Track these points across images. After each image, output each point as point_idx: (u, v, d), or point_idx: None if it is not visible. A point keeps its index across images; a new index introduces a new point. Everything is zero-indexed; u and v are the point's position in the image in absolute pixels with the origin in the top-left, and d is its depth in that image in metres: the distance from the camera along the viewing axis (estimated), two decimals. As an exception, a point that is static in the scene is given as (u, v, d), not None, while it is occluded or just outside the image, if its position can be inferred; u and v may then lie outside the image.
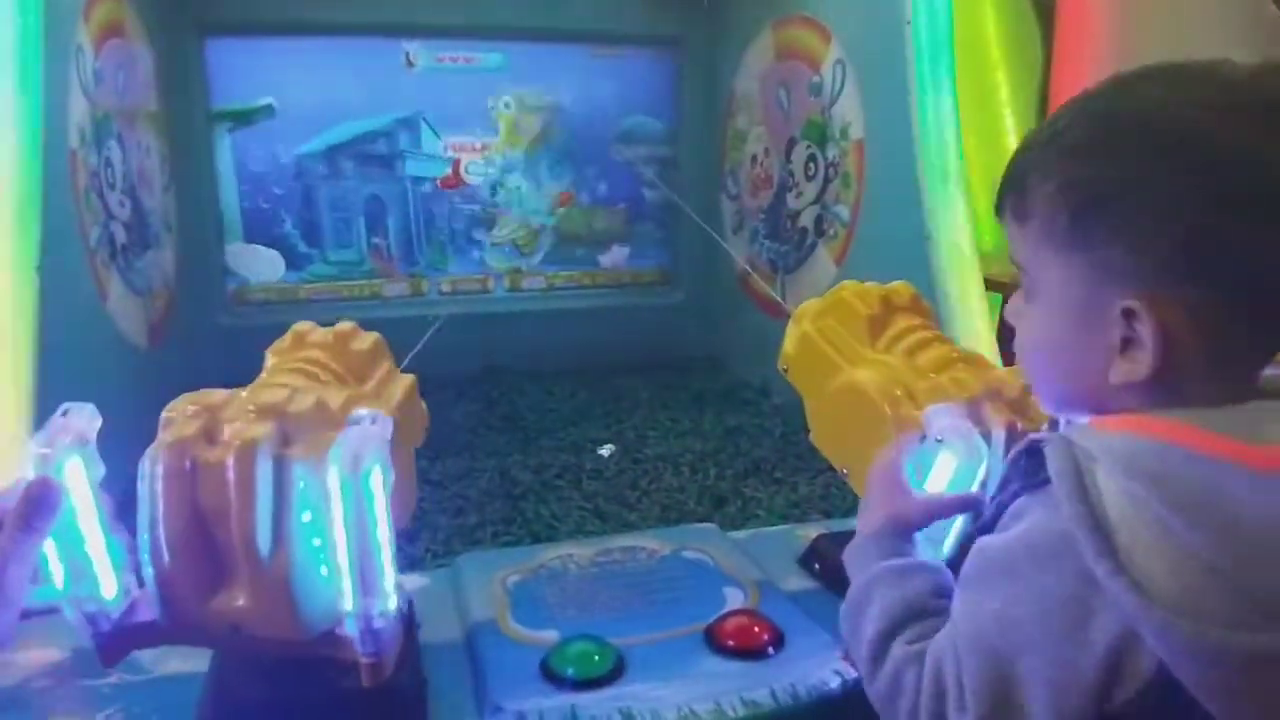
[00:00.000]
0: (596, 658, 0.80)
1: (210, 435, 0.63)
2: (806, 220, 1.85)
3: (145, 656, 0.76)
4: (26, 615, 0.59)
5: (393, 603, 0.65)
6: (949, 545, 0.75)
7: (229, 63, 1.90)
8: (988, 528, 0.55)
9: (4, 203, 1.06)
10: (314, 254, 2.03)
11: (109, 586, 0.64)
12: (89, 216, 1.33)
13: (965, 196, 1.44)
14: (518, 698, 0.76)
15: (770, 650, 0.83)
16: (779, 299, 1.84)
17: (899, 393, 0.83)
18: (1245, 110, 0.46)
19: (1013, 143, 2.06)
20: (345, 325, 0.85)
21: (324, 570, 0.63)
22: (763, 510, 1.37)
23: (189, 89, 1.86)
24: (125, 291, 1.47)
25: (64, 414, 0.62)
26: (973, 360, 0.88)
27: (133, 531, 0.63)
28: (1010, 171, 0.55)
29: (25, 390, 1.02)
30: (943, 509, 0.70)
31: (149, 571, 0.62)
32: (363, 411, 0.65)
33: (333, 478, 0.61)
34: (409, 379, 0.85)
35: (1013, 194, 0.55)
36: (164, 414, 0.65)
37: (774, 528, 1.19)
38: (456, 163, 2.08)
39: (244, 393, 0.68)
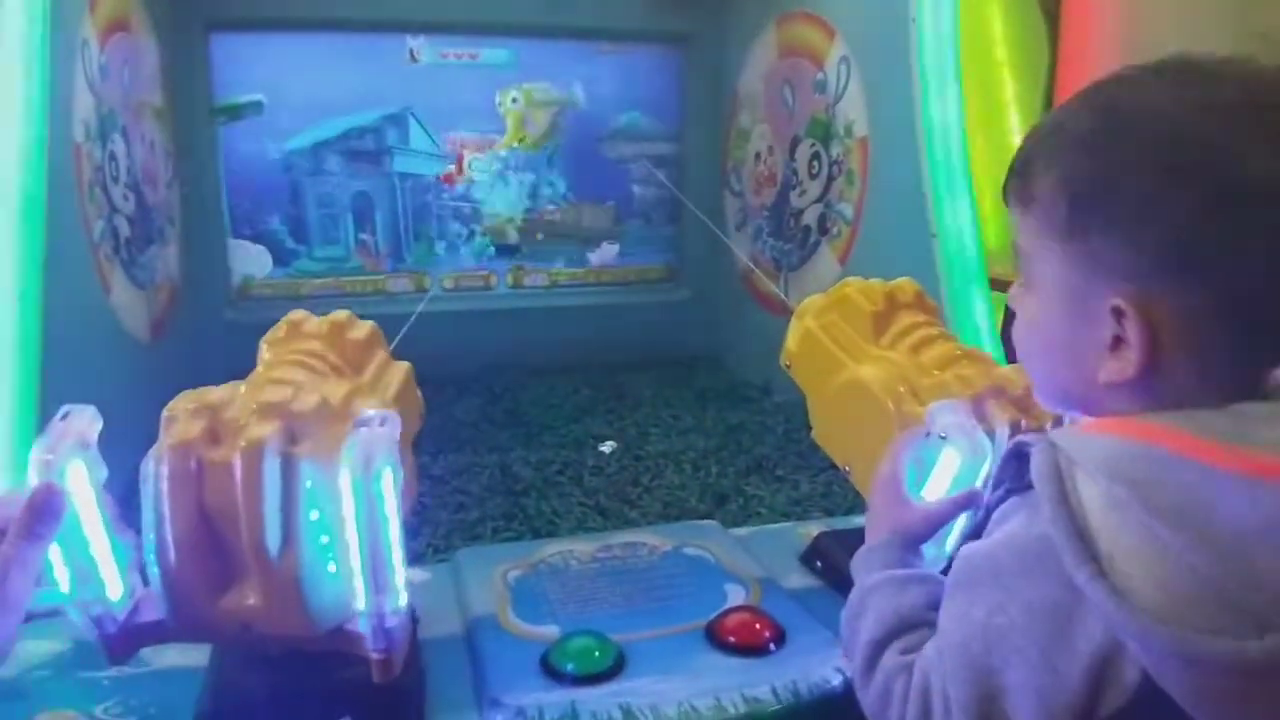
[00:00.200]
0: (597, 653, 0.80)
1: (214, 435, 0.63)
2: (810, 218, 1.85)
3: (144, 649, 0.76)
4: (30, 617, 0.59)
5: (404, 599, 0.65)
6: (951, 543, 0.74)
7: (234, 58, 1.90)
8: (977, 532, 0.55)
9: (8, 196, 1.06)
10: (300, 250, 2.03)
11: (114, 588, 0.64)
12: (93, 210, 1.33)
13: (970, 195, 1.44)
14: (517, 692, 0.76)
15: (771, 647, 0.83)
16: (782, 295, 1.83)
17: (903, 389, 0.82)
18: (1246, 113, 0.46)
19: (1017, 142, 2.05)
20: (340, 314, 0.85)
21: (332, 567, 0.64)
22: (764, 508, 1.36)
23: (193, 84, 1.86)
24: (128, 285, 1.47)
25: (64, 417, 0.61)
26: (977, 357, 0.87)
27: (137, 530, 0.63)
28: (1016, 157, 0.55)
29: (29, 384, 1.02)
30: (944, 515, 0.70)
31: (156, 572, 0.62)
32: (371, 412, 0.64)
33: (344, 480, 0.61)
34: (404, 366, 0.85)
35: (1017, 180, 0.54)
36: (165, 413, 0.64)
37: (775, 525, 1.19)
38: (460, 158, 2.08)
39: (243, 388, 0.68)
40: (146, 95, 1.65)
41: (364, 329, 0.84)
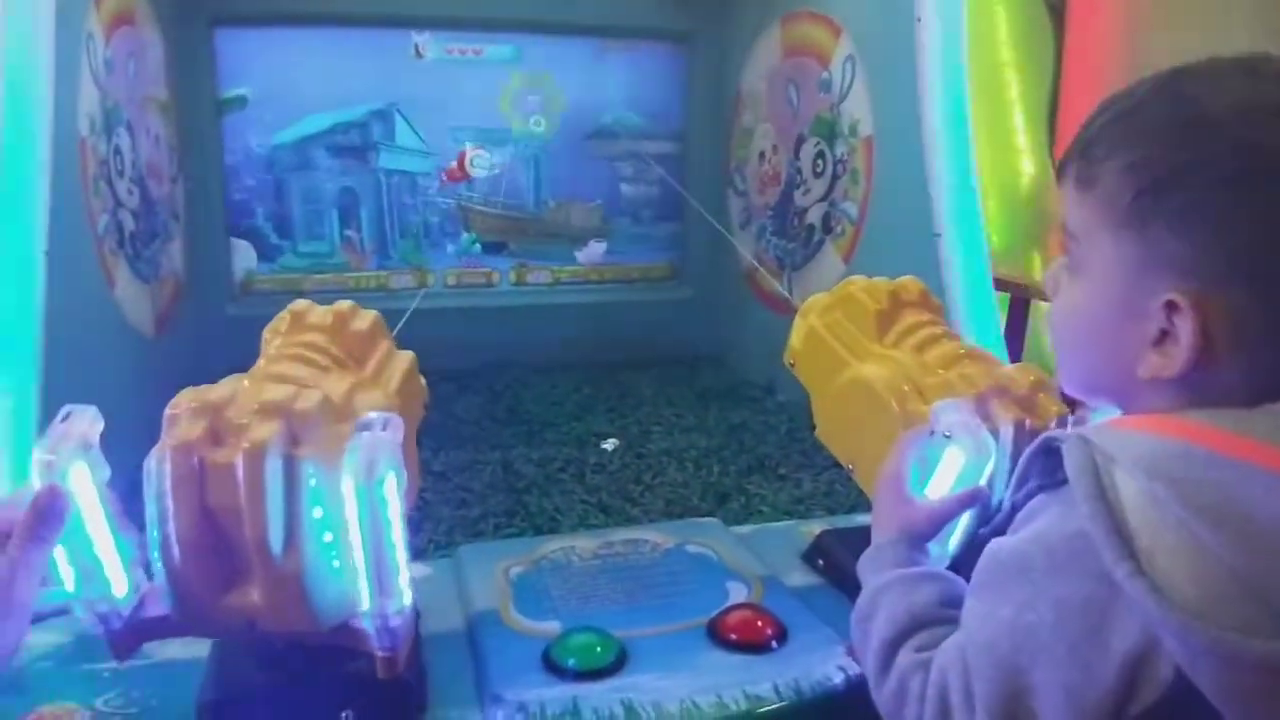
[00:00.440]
0: (599, 649, 0.80)
1: (216, 435, 0.62)
2: (814, 217, 1.85)
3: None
4: (37, 619, 0.59)
5: (408, 599, 0.65)
6: (955, 542, 0.74)
7: (238, 52, 1.90)
8: (1000, 529, 0.55)
9: (12, 189, 1.06)
10: (285, 245, 2.02)
11: (119, 585, 0.64)
12: (97, 204, 1.33)
13: (974, 195, 1.43)
14: (519, 688, 0.76)
15: (773, 644, 0.83)
16: (786, 294, 1.83)
17: (906, 388, 0.82)
18: None
19: (1023, 142, 2.05)
20: (344, 304, 0.85)
21: (336, 564, 0.64)
22: (766, 506, 1.36)
23: (197, 78, 1.86)
24: (132, 280, 1.47)
25: (65, 419, 0.61)
26: (981, 356, 0.87)
27: (140, 526, 0.63)
28: (1080, 136, 0.53)
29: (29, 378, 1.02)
30: (948, 513, 0.69)
31: (160, 569, 0.62)
32: (373, 415, 0.64)
33: (347, 485, 0.61)
34: (408, 356, 0.85)
35: (1079, 160, 0.53)
36: (167, 411, 0.64)
37: (778, 523, 1.19)
38: (462, 155, 2.08)
39: (245, 383, 0.68)
40: (151, 89, 1.65)
41: (367, 319, 0.84)
